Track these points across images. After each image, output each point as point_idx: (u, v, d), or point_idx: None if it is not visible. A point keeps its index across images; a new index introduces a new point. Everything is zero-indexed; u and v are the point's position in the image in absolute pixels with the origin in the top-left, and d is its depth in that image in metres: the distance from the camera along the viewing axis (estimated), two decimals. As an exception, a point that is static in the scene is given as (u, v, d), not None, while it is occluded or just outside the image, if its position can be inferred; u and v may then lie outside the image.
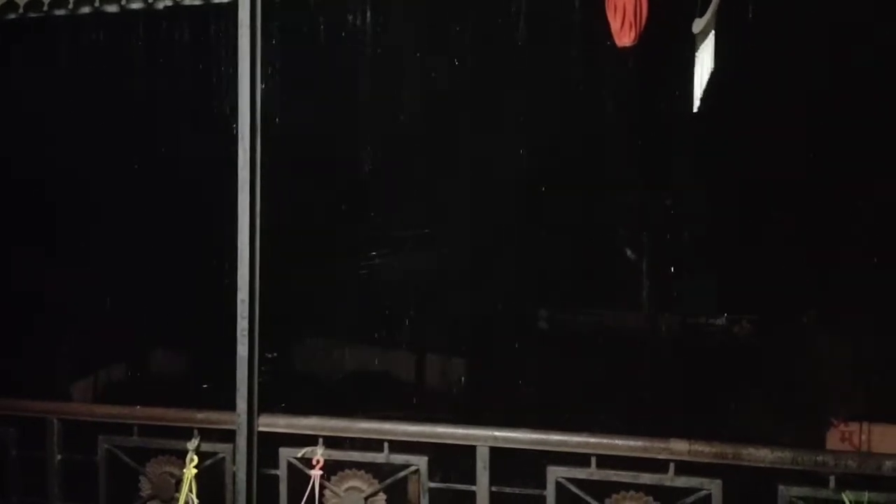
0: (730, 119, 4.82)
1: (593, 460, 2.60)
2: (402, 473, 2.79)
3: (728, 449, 2.47)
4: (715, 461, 2.49)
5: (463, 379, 5.95)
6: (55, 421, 3.05)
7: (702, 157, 5.47)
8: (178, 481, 2.89)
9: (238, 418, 2.79)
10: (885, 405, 4.46)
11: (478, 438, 2.70)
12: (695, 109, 2.77)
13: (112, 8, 2.92)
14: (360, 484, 2.83)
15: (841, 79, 4.71)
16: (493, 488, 2.69)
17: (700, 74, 2.57)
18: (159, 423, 2.96)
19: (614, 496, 2.58)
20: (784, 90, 4.93)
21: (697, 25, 2.55)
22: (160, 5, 2.87)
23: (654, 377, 5.33)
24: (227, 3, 2.78)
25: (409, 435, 2.78)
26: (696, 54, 2.58)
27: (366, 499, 2.81)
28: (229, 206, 2.81)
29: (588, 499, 2.60)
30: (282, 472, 2.85)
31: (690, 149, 5.41)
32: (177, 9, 2.85)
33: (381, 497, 2.83)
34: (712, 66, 2.37)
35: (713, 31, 2.36)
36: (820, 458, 2.43)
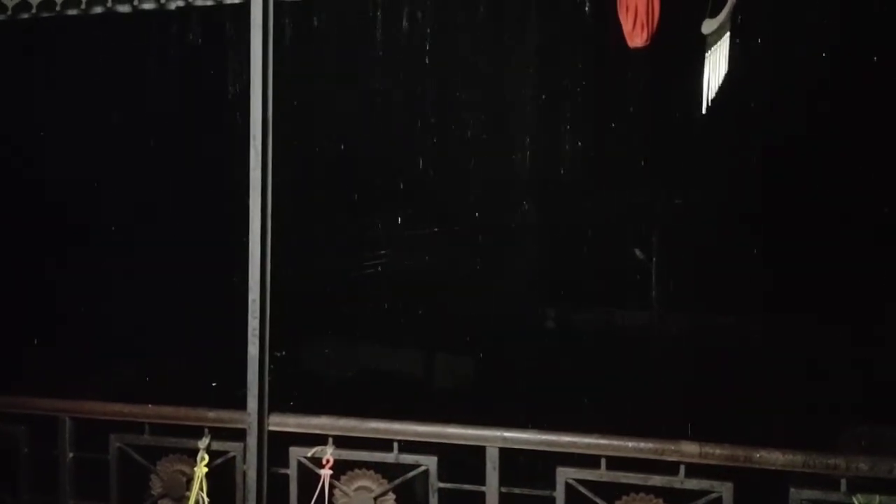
0: (739, 119, 4.81)
1: (603, 462, 2.60)
2: (411, 473, 2.79)
3: (739, 451, 2.46)
4: (726, 463, 2.48)
5: (471, 378, 5.95)
6: (67, 419, 3.06)
7: (711, 157, 5.46)
8: (189, 480, 2.91)
9: (248, 417, 2.81)
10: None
11: (487, 439, 2.71)
12: (703, 111, 2.74)
13: (124, 8, 2.94)
14: (370, 483, 2.83)
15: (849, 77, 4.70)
16: (503, 489, 2.70)
17: (710, 77, 2.54)
18: (171, 422, 2.97)
19: (624, 498, 2.58)
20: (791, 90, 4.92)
21: (708, 26, 2.53)
22: (172, 6, 2.88)
23: (662, 377, 5.31)
24: (240, 3, 2.79)
25: (419, 435, 2.78)
26: (707, 55, 2.56)
27: (375, 498, 2.81)
28: (240, 207, 2.83)
29: (598, 500, 2.60)
30: (292, 471, 2.85)
31: (700, 148, 5.40)
32: (189, 9, 2.86)
33: (391, 497, 2.84)
34: (726, 68, 2.35)
35: (728, 33, 2.34)
36: (831, 461, 2.41)
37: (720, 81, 2.40)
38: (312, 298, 5.55)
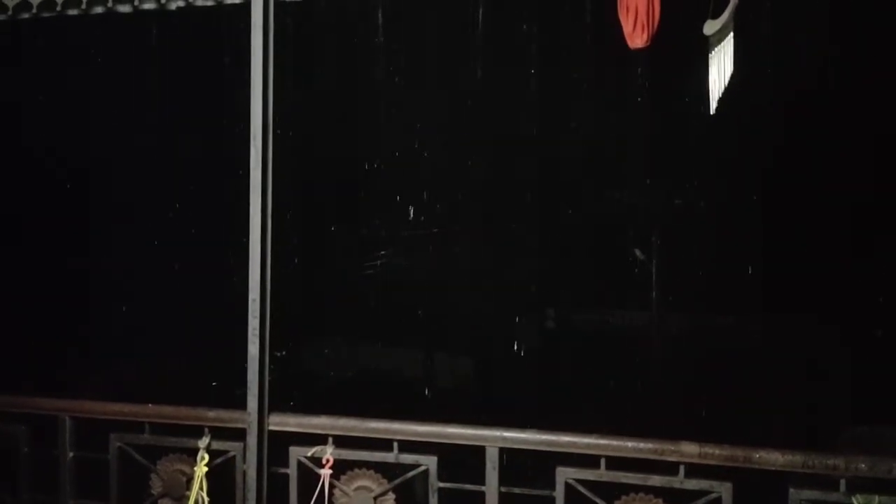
0: (740, 119, 4.81)
1: (603, 462, 2.60)
2: (411, 473, 2.79)
3: (739, 452, 2.46)
4: (725, 464, 2.48)
5: (471, 378, 5.95)
6: (67, 419, 3.06)
7: (711, 157, 5.46)
8: (189, 479, 2.91)
9: (248, 417, 2.81)
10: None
11: (487, 439, 2.71)
12: (711, 112, 2.72)
13: (125, 8, 2.94)
14: (370, 483, 2.83)
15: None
16: (503, 489, 2.70)
17: (715, 78, 2.52)
18: (171, 422, 2.97)
19: (623, 498, 2.58)
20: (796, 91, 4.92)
21: (710, 27, 2.51)
22: (173, 6, 2.89)
23: (662, 377, 5.31)
24: (240, 3, 2.79)
25: (419, 435, 2.78)
26: (710, 57, 2.55)
27: (375, 498, 2.82)
28: (241, 206, 2.83)
29: (597, 500, 2.60)
30: (292, 470, 2.85)
31: (702, 149, 5.40)
32: (189, 10, 2.87)
33: (391, 496, 2.84)
34: (732, 69, 2.34)
35: (731, 34, 2.33)
36: (831, 462, 2.41)
37: (726, 82, 2.39)
38: (312, 298, 5.55)
